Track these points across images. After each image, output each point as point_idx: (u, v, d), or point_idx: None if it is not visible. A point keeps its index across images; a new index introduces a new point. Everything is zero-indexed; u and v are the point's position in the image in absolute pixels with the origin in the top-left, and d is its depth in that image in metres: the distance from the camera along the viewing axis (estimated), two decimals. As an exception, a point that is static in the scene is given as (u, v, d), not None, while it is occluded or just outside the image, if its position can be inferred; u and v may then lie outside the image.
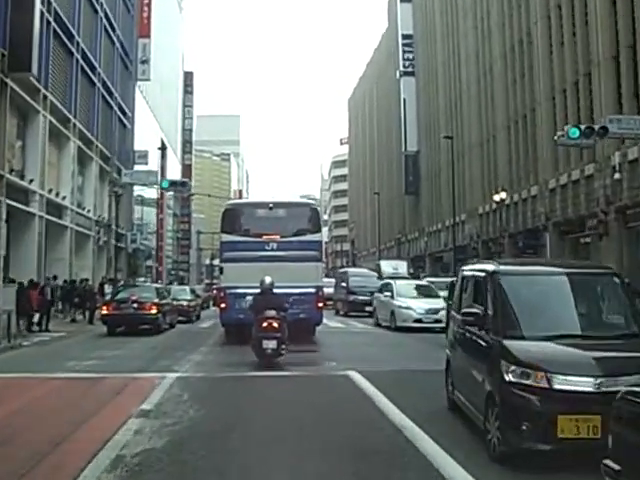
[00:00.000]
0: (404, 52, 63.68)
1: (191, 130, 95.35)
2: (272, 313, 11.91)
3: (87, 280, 26.55)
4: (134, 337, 18.49)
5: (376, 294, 24.49)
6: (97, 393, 9.89)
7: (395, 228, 69.55)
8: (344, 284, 30.97)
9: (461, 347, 7.82)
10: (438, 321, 19.35)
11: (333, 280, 34.36)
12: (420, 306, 21.20)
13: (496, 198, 33.85)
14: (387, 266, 39.13)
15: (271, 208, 16.41)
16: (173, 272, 70.94)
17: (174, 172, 74.49)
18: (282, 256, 15.73)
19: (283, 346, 11.85)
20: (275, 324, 11.74)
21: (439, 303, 20.64)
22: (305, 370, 11.91)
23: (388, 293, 22.52)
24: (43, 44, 25.27)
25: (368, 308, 26.64)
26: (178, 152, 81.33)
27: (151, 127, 57.74)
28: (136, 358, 14.08)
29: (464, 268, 8.75)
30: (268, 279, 12.46)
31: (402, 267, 40.00)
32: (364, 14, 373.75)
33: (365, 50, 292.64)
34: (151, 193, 59.37)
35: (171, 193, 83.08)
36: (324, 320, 18.00)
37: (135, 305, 19.70)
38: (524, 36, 38.42)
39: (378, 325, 23.23)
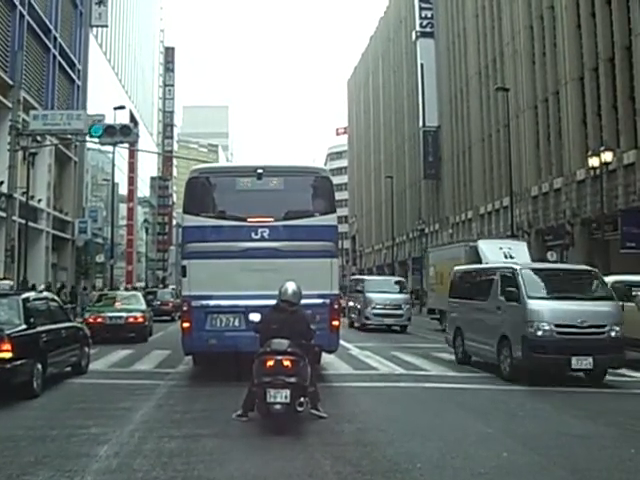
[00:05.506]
0: (421, 9, 54.30)
1: (172, 112, 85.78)
2: (283, 344, 7.57)
3: None
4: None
5: None
6: None
7: (408, 220, 59.43)
8: None
9: None
10: None
11: None
12: None
13: (593, 162, 23.19)
14: (492, 249, 21.78)
15: (260, 176, 11.40)
16: (150, 275, 60.45)
17: (150, 158, 65.07)
18: (277, 249, 11.19)
19: (302, 399, 7.40)
20: (287, 362, 7.38)
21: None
22: None
23: None
24: None
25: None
26: (155, 135, 70.95)
27: (117, 95, 47.09)
28: None
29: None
30: (291, 287, 8.11)
31: (520, 251, 21.63)
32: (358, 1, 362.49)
33: (362, 35, 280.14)
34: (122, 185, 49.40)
35: (149, 187, 73.17)
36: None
37: None
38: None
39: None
